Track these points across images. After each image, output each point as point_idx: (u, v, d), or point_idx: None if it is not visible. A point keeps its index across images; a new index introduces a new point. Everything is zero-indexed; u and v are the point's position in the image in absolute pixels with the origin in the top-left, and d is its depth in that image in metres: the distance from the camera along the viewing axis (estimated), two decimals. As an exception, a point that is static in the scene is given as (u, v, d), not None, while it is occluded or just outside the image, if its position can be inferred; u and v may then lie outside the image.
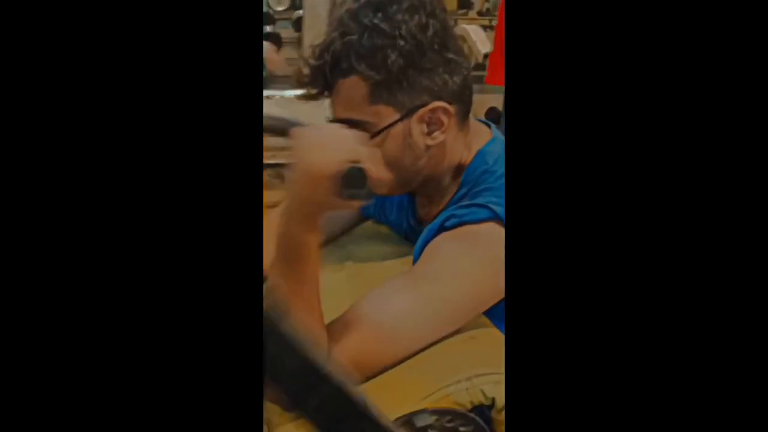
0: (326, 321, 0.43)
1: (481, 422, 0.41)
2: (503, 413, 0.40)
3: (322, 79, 0.46)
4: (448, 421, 0.40)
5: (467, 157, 0.52)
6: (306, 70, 0.47)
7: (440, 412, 0.40)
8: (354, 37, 0.43)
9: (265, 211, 0.43)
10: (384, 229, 0.63)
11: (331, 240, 0.60)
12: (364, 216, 0.64)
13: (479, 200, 0.47)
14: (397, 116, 0.45)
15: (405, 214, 0.60)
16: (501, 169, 0.49)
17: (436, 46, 0.45)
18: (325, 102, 0.49)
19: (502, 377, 0.40)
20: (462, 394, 0.40)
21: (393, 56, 0.43)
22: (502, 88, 1.31)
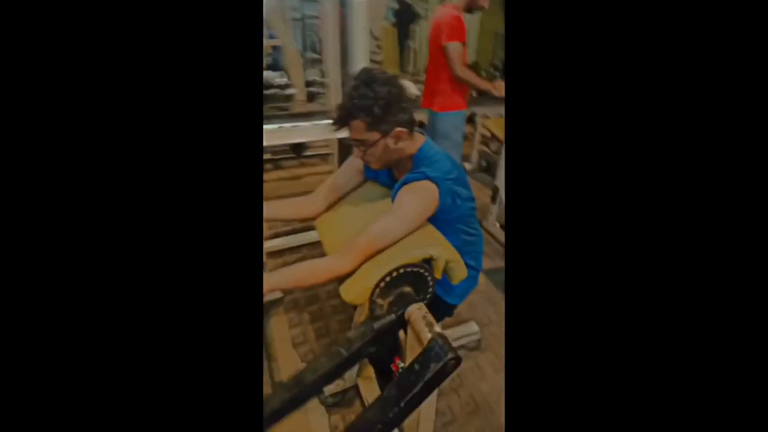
0: (346, 228, 0.93)
1: (426, 266, 0.87)
2: (437, 261, 0.86)
3: (340, 122, 0.91)
4: (400, 269, 0.85)
5: (414, 150, 0.99)
6: (334, 116, 0.92)
7: (401, 267, 0.84)
8: (356, 100, 0.87)
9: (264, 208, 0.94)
10: (376, 184, 1.12)
11: (356, 187, 1.13)
12: (367, 178, 1.13)
13: (419, 170, 0.94)
14: (378, 136, 0.91)
15: (388, 177, 1.07)
16: (430, 155, 0.97)
17: (396, 100, 0.90)
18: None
19: (438, 245, 0.86)
20: (417, 254, 0.86)
21: (376, 109, 0.87)
22: (429, 109, 2.23)
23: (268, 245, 2.19)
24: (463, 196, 0.97)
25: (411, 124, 0.93)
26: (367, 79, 0.87)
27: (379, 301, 0.69)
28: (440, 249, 0.87)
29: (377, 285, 0.75)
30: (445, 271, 0.89)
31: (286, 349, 1.63)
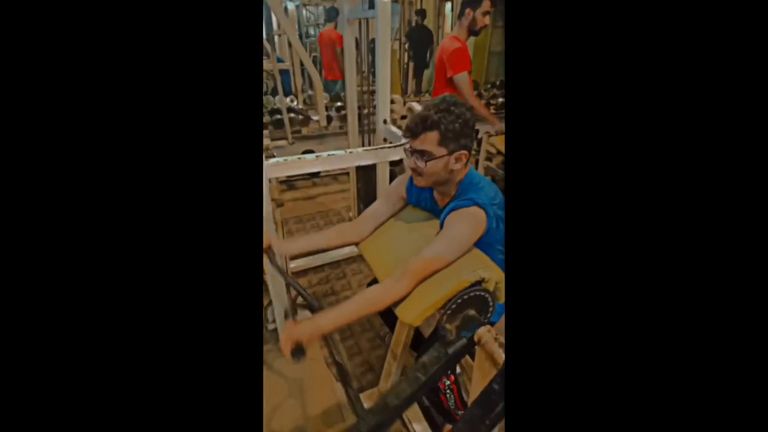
0: (395, 251, 1.02)
1: (478, 288, 0.92)
2: (487, 283, 0.92)
3: (416, 130, 0.98)
4: (464, 295, 0.92)
5: (463, 176, 1.07)
6: (411, 125, 1.00)
7: (455, 299, 0.89)
8: (441, 114, 0.95)
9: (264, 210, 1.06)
10: (417, 210, 1.20)
11: (398, 212, 1.22)
12: (409, 203, 1.20)
13: (467, 197, 1.01)
14: (446, 152, 0.98)
15: (429, 202, 1.14)
16: (476, 181, 1.05)
17: (470, 126, 0.99)
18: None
19: (487, 267, 0.92)
20: (469, 276, 0.92)
21: (456, 125, 0.96)
22: None
23: (292, 265, 2.23)
24: (504, 219, 1.04)
25: (470, 152, 1.02)
26: (452, 100, 0.97)
27: (448, 326, 0.74)
28: (490, 271, 0.93)
29: (445, 309, 0.80)
30: (494, 292, 0.95)
31: (321, 369, 1.67)
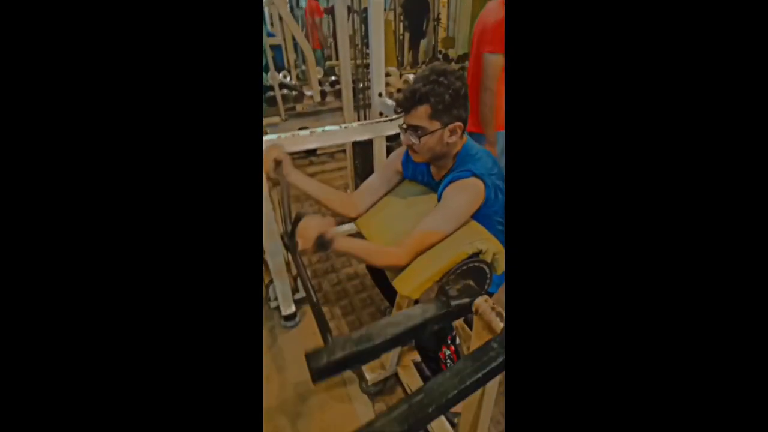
0: (394, 226, 1.01)
1: (476, 259, 0.93)
2: (485, 254, 0.93)
3: (407, 104, 0.95)
4: (462, 266, 0.92)
5: (459, 148, 1.04)
6: (401, 99, 0.97)
7: (454, 270, 0.89)
8: (429, 86, 0.91)
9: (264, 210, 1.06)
10: (414, 183, 1.19)
11: (395, 186, 1.20)
12: (405, 177, 1.19)
13: (464, 168, 0.99)
14: (439, 126, 0.96)
15: (426, 175, 1.13)
16: (473, 153, 1.03)
17: (463, 96, 0.95)
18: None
19: (485, 239, 0.92)
20: (467, 248, 0.92)
21: (447, 97, 0.92)
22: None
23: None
24: (503, 190, 1.03)
25: (466, 122, 0.98)
26: (441, 70, 0.92)
27: (449, 288, 0.74)
28: (488, 243, 0.93)
29: (444, 279, 0.81)
30: (491, 263, 0.96)
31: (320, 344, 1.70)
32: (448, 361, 1.17)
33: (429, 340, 1.17)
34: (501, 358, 0.60)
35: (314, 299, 0.80)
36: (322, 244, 0.80)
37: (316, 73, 3.02)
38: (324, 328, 0.73)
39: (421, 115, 0.94)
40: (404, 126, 0.99)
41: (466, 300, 0.71)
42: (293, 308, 1.74)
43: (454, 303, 0.70)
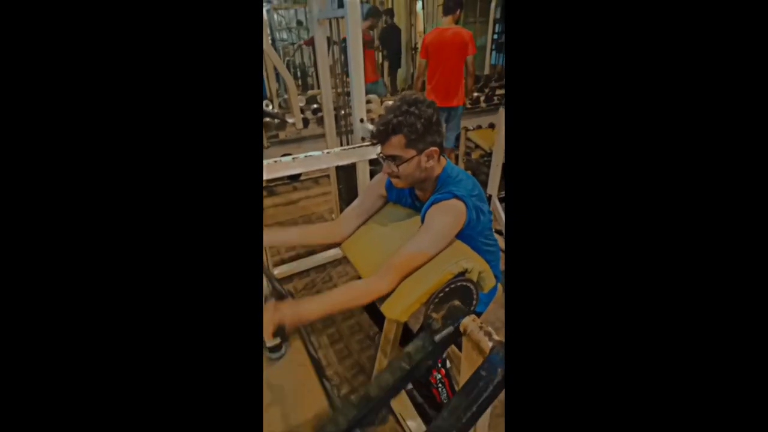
0: (378, 249, 1.00)
1: (462, 278, 0.92)
2: (470, 273, 0.93)
3: (381, 136, 0.97)
4: (448, 286, 0.92)
5: (439, 171, 1.06)
6: (375, 131, 0.99)
7: (439, 291, 0.89)
8: (402, 117, 0.94)
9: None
10: (398, 206, 1.19)
11: (378, 210, 1.20)
12: (389, 201, 1.19)
13: (446, 190, 1.01)
14: (414, 153, 0.98)
15: (410, 198, 1.14)
16: (453, 175, 1.05)
17: (435, 123, 0.98)
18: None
19: (470, 258, 0.92)
20: (453, 268, 0.92)
21: (419, 126, 0.94)
22: (448, 106, 3.05)
23: (276, 272, 2.20)
24: (485, 211, 1.04)
25: (441, 147, 1.01)
26: (411, 100, 0.96)
27: (434, 315, 0.74)
28: (473, 261, 0.93)
29: (430, 301, 0.80)
30: (477, 282, 0.96)
31: (310, 375, 1.64)
32: (440, 385, 1.15)
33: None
34: (491, 387, 0.60)
35: (309, 351, 0.82)
36: (280, 334, 0.81)
37: (297, 101, 3.08)
38: (321, 374, 0.74)
39: (395, 145, 0.97)
40: (382, 156, 1.01)
41: (451, 329, 0.71)
42: (278, 338, 1.68)
43: (437, 337, 0.70)
